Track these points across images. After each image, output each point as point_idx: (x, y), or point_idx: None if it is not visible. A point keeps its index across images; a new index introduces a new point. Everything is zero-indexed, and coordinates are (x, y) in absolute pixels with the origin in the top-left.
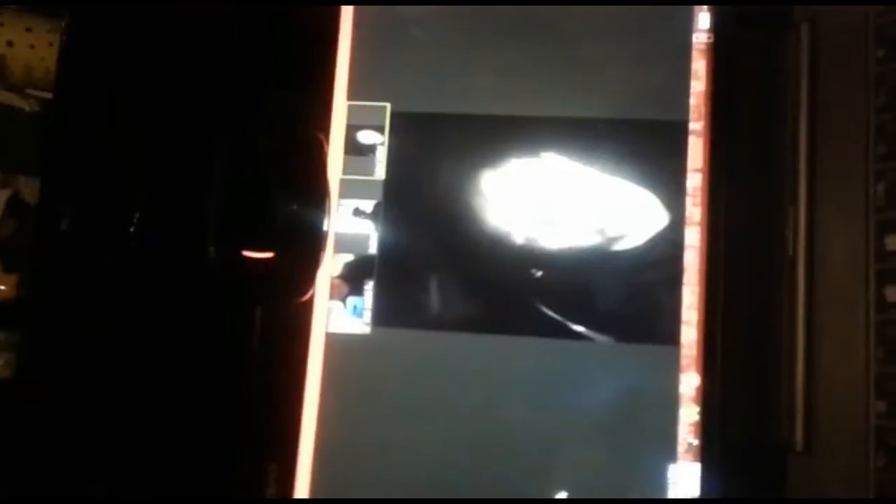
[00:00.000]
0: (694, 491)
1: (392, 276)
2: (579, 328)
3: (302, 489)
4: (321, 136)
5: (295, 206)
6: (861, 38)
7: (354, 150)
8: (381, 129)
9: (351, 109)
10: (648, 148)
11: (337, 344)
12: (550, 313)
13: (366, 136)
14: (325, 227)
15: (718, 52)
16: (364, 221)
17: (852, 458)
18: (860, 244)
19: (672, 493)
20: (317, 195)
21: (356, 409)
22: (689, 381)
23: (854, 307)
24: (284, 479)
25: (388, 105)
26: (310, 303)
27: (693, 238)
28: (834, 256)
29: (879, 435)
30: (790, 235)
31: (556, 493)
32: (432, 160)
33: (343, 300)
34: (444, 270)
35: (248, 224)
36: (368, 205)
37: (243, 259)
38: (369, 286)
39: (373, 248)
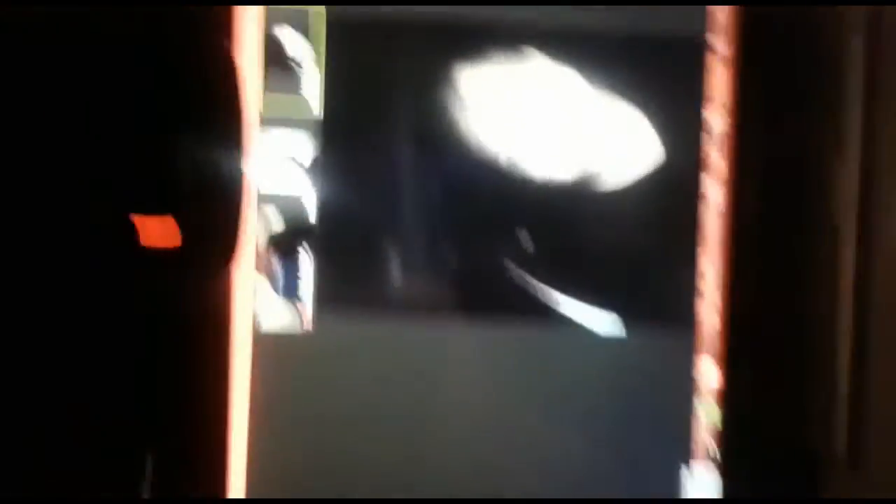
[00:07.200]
0: None
1: (337, 245)
2: (575, 303)
3: None
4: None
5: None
6: None
7: (277, 68)
8: (306, 36)
9: (270, 15)
10: (657, 75)
11: (271, 345)
12: (539, 285)
13: (290, 45)
14: (243, 178)
15: None
16: (297, 175)
17: None
18: None
19: None
20: (231, 132)
21: (300, 422)
22: (708, 376)
23: None
24: None
25: (324, 9)
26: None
27: (716, 197)
28: (894, 227)
29: None
30: (837, 198)
31: None
32: (390, 86)
33: (271, 278)
34: (407, 236)
35: (138, 180)
36: (303, 154)
37: (131, 228)
38: (305, 260)
39: (310, 210)
